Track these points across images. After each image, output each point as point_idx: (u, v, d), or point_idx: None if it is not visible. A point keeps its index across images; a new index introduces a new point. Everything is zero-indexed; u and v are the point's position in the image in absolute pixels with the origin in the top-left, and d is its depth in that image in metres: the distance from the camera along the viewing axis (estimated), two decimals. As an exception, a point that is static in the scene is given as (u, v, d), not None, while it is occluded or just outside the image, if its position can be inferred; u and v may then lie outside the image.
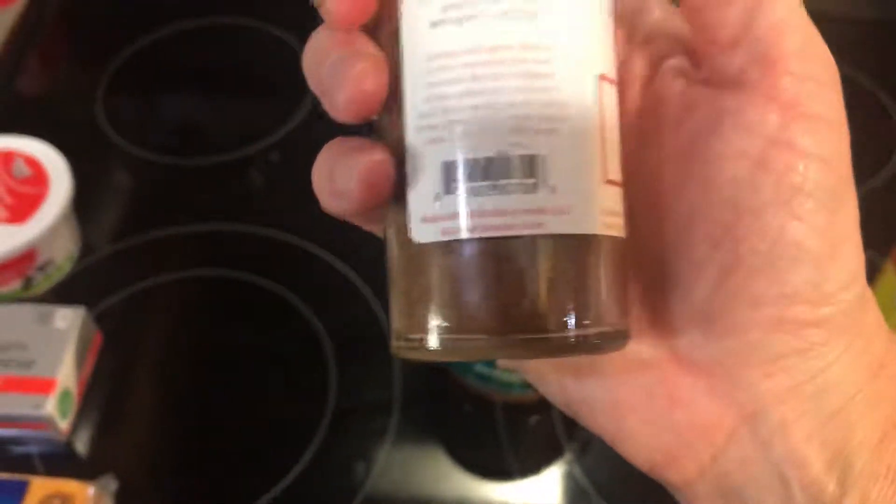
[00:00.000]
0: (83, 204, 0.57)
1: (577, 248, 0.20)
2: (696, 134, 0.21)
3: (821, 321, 0.20)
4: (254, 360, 0.54)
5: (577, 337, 0.19)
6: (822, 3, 0.73)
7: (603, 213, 0.20)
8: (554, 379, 0.23)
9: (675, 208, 0.21)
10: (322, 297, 0.56)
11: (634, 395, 0.21)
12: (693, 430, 0.21)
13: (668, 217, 0.21)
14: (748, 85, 0.20)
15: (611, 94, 0.21)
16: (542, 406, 0.50)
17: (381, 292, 0.56)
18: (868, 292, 0.21)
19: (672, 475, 0.21)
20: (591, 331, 0.19)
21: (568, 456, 0.49)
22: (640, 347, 0.21)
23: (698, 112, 0.21)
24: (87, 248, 0.59)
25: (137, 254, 0.59)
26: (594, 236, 0.20)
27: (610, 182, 0.20)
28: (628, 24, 0.23)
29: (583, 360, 0.22)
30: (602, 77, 0.20)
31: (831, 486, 0.20)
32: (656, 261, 0.22)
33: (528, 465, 0.49)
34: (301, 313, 0.55)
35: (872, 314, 0.21)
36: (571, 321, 0.19)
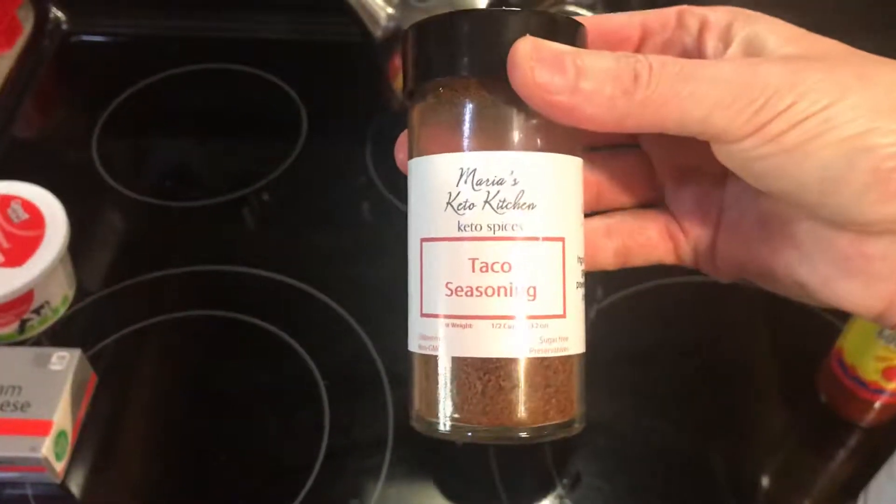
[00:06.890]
0: (78, 246, 0.58)
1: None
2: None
3: None
4: (248, 400, 0.54)
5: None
6: (818, 24, 0.75)
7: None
8: (778, 280, 0.28)
9: None
10: (315, 336, 0.56)
11: (835, 267, 0.25)
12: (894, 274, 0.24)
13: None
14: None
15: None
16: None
17: (374, 332, 0.57)
18: None
19: (893, 317, 0.25)
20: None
21: (559, 491, 0.49)
22: (823, 232, 0.25)
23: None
24: (81, 290, 0.59)
25: (132, 295, 0.59)
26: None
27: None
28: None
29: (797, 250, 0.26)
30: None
31: None
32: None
33: (519, 501, 0.49)
34: (295, 352, 0.55)
35: None
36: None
